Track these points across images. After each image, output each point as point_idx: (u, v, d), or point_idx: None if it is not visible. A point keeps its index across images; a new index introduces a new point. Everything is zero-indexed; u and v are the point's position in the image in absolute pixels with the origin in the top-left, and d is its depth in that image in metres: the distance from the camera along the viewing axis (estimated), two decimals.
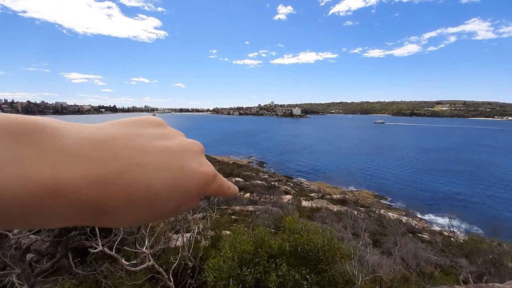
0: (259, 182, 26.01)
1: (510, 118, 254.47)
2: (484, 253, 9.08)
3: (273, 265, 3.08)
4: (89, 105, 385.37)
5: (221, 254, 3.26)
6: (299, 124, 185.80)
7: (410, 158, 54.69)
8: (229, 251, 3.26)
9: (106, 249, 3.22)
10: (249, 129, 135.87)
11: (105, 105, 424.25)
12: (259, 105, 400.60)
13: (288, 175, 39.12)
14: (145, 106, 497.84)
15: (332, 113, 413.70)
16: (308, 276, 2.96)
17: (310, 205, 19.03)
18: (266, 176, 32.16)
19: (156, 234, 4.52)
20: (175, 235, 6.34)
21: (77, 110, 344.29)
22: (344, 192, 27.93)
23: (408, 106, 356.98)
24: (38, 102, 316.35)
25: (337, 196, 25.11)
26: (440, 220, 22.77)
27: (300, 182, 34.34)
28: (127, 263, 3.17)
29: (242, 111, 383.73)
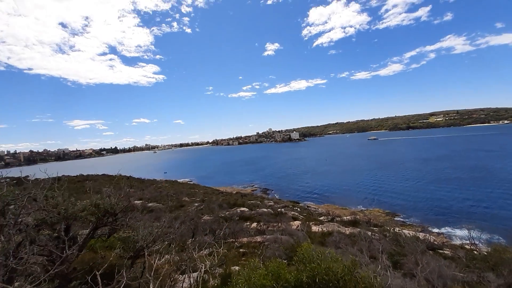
0: (265, 210, 25.18)
1: (506, 121, 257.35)
2: (510, 263, 8.44)
3: None
4: (91, 149, 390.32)
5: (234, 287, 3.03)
6: (299, 148, 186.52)
7: (414, 170, 53.83)
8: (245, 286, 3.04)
9: None
10: (249, 157, 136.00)
11: (106, 147, 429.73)
12: (258, 133, 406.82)
13: (294, 200, 38.07)
14: (146, 145, 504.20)
15: (330, 133, 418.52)
16: None
17: (320, 229, 18.18)
18: (272, 203, 31.26)
19: (161, 277, 4.25)
20: (181, 276, 5.95)
21: (79, 155, 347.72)
22: (354, 213, 26.92)
23: (404, 120, 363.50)
24: (40, 150, 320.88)
25: (347, 217, 24.14)
26: (458, 232, 21.63)
27: (307, 206, 33.26)
28: None
29: (242, 140, 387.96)
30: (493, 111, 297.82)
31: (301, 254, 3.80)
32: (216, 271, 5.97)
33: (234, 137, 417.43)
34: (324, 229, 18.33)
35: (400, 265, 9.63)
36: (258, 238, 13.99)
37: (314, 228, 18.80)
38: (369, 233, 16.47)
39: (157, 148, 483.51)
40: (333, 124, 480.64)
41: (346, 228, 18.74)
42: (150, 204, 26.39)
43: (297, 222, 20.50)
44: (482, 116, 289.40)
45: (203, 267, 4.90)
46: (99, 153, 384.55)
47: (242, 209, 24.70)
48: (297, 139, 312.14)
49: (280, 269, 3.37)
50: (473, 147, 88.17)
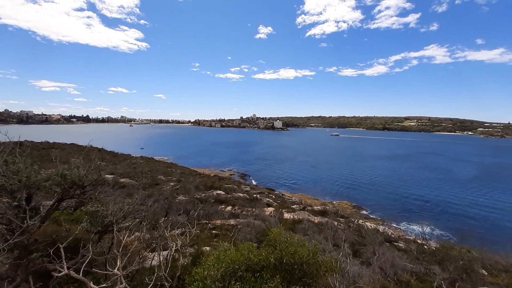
0: (241, 194, 25.61)
1: (470, 133, 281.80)
2: (455, 260, 9.60)
3: (260, 279, 2.99)
4: (59, 115, 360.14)
5: (203, 267, 3.10)
6: (281, 136, 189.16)
7: (383, 168, 57.72)
8: (213, 264, 3.11)
9: (72, 272, 2.91)
10: (231, 141, 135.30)
11: (77, 114, 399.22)
12: (241, 117, 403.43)
13: (270, 187, 39.09)
14: (122, 117, 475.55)
15: (312, 126, 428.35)
16: None
17: (292, 217, 19.02)
18: (248, 189, 31.82)
19: (129, 254, 4.19)
20: (150, 253, 5.93)
21: (45, 120, 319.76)
22: (325, 203, 28.43)
23: (381, 121, 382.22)
24: (1, 110, 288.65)
25: (318, 207, 25.45)
26: (414, 227, 23.93)
27: (282, 194, 34.42)
28: (96, 287, 2.87)
29: (224, 123, 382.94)
30: (460, 122, 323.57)
31: (272, 238, 3.95)
32: (187, 250, 6.03)
33: (217, 119, 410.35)
34: (295, 216, 19.21)
35: (360, 254, 10.50)
36: (232, 221, 14.30)
37: (286, 215, 19.62)
38: (336, 223, 17.61)
39: (134, 121, 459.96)
40: (316, 117, 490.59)
41: (316, 217, 19.81)
42: (122, 180, 25.49)
43: (270, 209, 21.21)
44: (450, 125, 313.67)
45: (174, 246, 4.91)
46: (68, 120, 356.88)
47: (219, 192, 24.88)
48: (280, 128, 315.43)
49: (249, 251, 3.49)
50: (437, 152, 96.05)
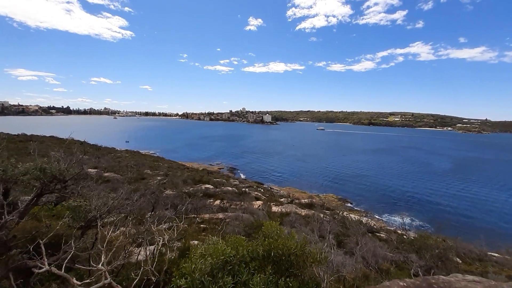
0: (230, 188, 25.67)
1: (449, 128, 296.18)
2: (431, 249, 10.24)
3: (251, 271, 3.05)
4: (37, 106, 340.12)
5: (191, 260, 3.11)
6: (270, 130, 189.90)
7: (366, 161, 59.75)
8: (202, 257, 3.13)
9: (53, 269, 2.83)
10: (220, 134, 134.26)
11: (56, 105, 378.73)
12: (231, 111, 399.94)
13: (258, 181, 39.42)
14: (105, 108, 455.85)
15: (301, 120, 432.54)
16: (284, 281, 3.00)
17: (280, 210, 19.37)
18: (237, 182, 31.92)
19: (114, 249, 4.12)
20: (136, 248, 5.87)
21: (21, 111, 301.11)
22: (312, 196, 29.12)
23: (367, 116, 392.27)
24: None
25: (305, 200, 26.04)
26: (395, 218, 25.13)
27: (271, 188, 34.84)
28: (79, 283, 2.82)
29: (213, 117, 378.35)
30: (440, 117, 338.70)
31: (264, 231, 4.03)
32: (175, 244, 6.01)
33: (206, 112, 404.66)
34: (283, 209, 19.58)
35: (344, 244, 10.93)
36: (220, 215, 14.36)
37: (274, 209, 19.95)
38: (322, 215, 18.14)
39: (118, 113, 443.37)
40: (305, 111, 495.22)
41: (303, 210, 20.30)
42: (106, 174, 24.74)
43: (259, 202, 21.46)
44: (431, 121, 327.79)
45: (161, 241, 4.88)
46: (46, 111, 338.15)
47: (207, 186, 24.79)
48: (269, 122, 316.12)
49: (238, 244, 3.54)
50: (418, 146, 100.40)
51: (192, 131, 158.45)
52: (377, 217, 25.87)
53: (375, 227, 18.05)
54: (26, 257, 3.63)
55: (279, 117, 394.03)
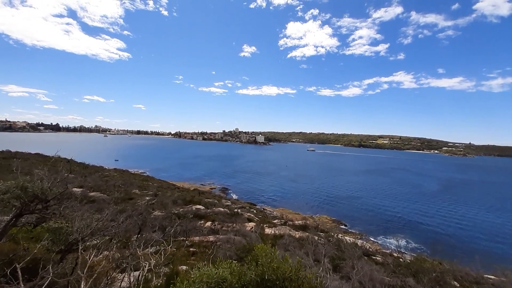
0: (222, 209, 24.89)
1: (436, 151, 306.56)
2: (428, 272, 9.98)
3: None
4: (25, 122, 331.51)
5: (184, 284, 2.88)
6: (263, 151, 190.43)
7: (358, 182, 59.98)
8: (191, 285, 2.91)
9: None
10: (213, 154, 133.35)
11: (45, 122, 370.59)
12: (224, 131, 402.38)
13: (251, 201, 38.57)
14: (96, 126, 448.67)
15: (293, 141, 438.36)
16: None
17: (273, 232, 18.74)
18: (229, 203, 31.09)
19: (95, 275, 3.79)
20: (120, 274, 5.44)
21: (8, 127, 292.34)
22: (305, 218, 28.52)
23: (357, 138, 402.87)
24: None
25: (299, 222, 25.42)
26: (391, 240, 24.67)
27: (263, 209, 34.03)
28: None
29: (206, 136, 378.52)
30: (427, 141, 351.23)
31: (255, 254, 3.84)
32: (162, 270, 5.62)
33: (199, 131, 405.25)
34: (277, 231, 18.96)
35: (339, 268, 10.52)
36: (211, 238, 13.73)
37: (267, 230, 19.30)
38: (316, 238, 17.63)
39: (109, 131, 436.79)
40: (297, 133, 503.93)
41: (297, 232, 19.71)
42: (92, 194, 23.67)
43: (251, 224, 20.77)
44: (418, 144, 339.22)
45: (147, 266, 4.55)
46: (34, 127, 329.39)
47: (198, 206, 23.97)
48: (262, 142, 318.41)
49: (230, 268, 3.34)
50: (407, 168, 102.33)
51: (184, 150, 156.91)
52: (372, 239, 25.37)
53: (370, 250, 17.61)
54: (3, 281, 3.28)
55: (272, 138, 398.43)
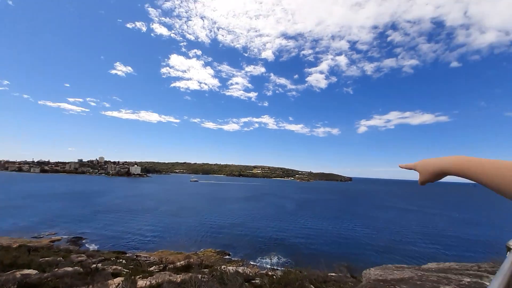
0: (70, 269, 17.92)
1: (291, 178, 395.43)
2: (293, 282, 11.86)
3: None
4: None
5: None
6: (139, 184, 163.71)
7: (239, 209, 64.98)
8: None
9: None
10: (60, 192, 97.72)
11: None
12: (81, 160, 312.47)
13: (120, 249, 30.83)
14: None
15: (177, 172, 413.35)
16: None
17: (148, 283, 15.62)
18: (84, 257, 23.11)
19: None
20: None
21: None
22: (189, 256, 26.35)
23: (237, 168, 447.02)
24: None
25: (181, 262, 22.92)
26: (267, 260, 27.50)
27: (137, 256, 27.97)
28: None
29: (49, 167, 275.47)
30: (286, 170, 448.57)
31: None
32: None
33: (35, 160, 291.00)
34: (153, 281, 15.98)
35: None
36: None
37: (141, 283, 15.83)
38: (200, 276, 16.54)
39: None
40: (181, 163, 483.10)
41: (178, 276, 17.57)
42: None
43: (118, 280, 16.29)
44: (281, 173, 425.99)
45: None
46: None
47: (27, 271, 15.94)
48: (138, 174, 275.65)
49: None
50: (275, 193, 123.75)
51: (5, 186, 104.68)
52: (252, 263, 27.15)
53: (250, 274, 18.67)
54: None
55: (151, 169, 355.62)
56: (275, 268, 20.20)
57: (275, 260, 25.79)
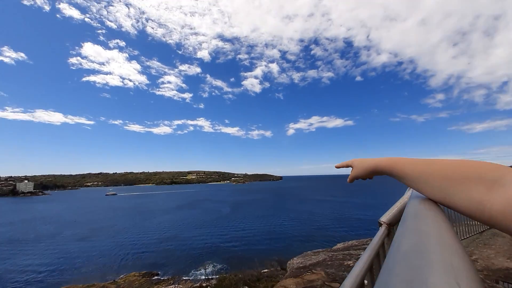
0: None
1: (228, 181, 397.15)
2: (228, 287, 11.69)
3: None
4: None
5: None
6: (31, 204, 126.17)
7: (169, 221, 59.85)
8: None
9: None
10: None
11: None
12: None
13: None
14: None
15: (89, 186, 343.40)
16: None
17: None
18: None
19: None
20: None
21: None
22: (105, 286, 22.10)
23: (169, 175, 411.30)
24: None
25: None
26: (201, 271, 26.12)
27: None
28: None
29: None
30: (222, 173, 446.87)
31: None
32: None
33: None
34: None
35: None
36: None
37: None
38: None
39: None
40: (95, 174, 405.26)
41: None
42: None
43: None
44: (217, 176, 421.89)
45: None
46: None
47: None
48: (30, 192, 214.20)
49: None
50: (210, 198, 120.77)
51: None
52: (184, 278, 25.16)
53: None
54: None
55: (50, 184, 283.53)
56: (210, 277, 19.51)
57: (210, 269, 24.86)
